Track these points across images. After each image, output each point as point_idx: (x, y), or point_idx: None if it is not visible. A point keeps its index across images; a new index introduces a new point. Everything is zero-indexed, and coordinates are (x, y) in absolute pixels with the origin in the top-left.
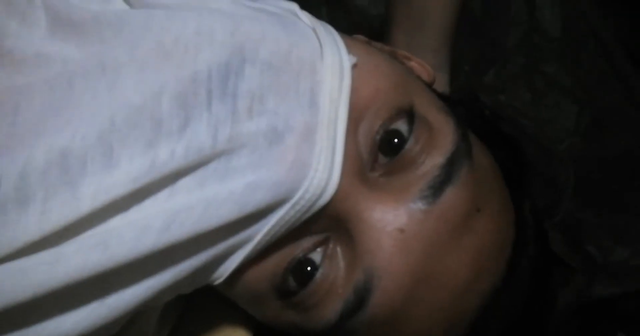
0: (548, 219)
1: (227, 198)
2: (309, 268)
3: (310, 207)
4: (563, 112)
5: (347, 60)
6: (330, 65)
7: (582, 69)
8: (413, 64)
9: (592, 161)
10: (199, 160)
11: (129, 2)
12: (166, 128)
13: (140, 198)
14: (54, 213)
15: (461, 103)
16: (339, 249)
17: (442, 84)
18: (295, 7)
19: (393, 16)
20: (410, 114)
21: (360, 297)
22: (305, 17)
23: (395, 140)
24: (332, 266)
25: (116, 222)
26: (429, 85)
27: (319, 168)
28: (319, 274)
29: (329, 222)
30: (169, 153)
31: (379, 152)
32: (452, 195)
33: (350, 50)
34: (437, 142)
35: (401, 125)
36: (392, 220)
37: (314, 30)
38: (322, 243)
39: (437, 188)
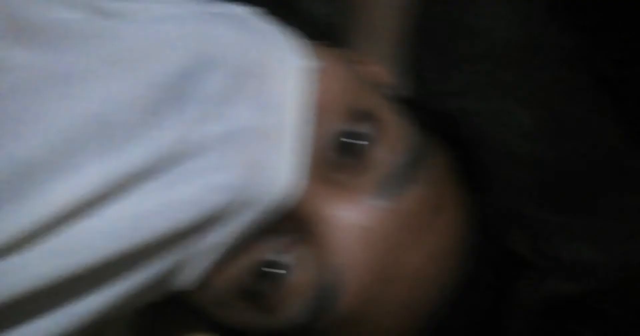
0: (506, 218)
1: (187, 202)
2: (276, 270)
3: (274, 209)
4: (523, 117)
5: (306, 63)
6: (290, 68)
7: (541, 75)
8: (370, 68)
9: (552, 165)
10: (158, 165)
11: (89, 11)
12: (124, 135)
13: (105, 203)
14: (14, 221)
15: (419, 107)
16: (303, 249)
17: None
18: (256, 12)
19: (347, 23)
20: (369, 116)
21: (326, 296)
22: (266, 21)
23: (356, 142)
24: (298, 267)
25: (81, 228)
26: (386, 89)
27: (282, 170)
28: (287, 277)
29: (292, 223)
30: (133, 158)
31: (340, 153)
32: (412, 193)
33: (310, 55)
34: (395, 142)
35: (361, 127)
36: (355, 219)
37: (275, 34)
38: (289, 245)
39: (397, 186)
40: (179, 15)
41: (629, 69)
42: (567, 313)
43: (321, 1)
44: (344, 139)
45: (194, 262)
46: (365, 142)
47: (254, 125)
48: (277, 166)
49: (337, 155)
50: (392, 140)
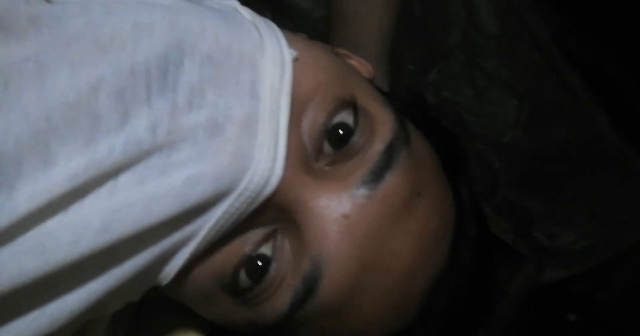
0: (485, 202)
1: (168, 193)
2: (260, 263)
3: (254, 199)
4: (504, 106)
5: (288, 53)
6: (271, 57)
7: (519, 64)
8: (353, 61)
9: (534, 152)
10: (138, 156)
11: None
12: (105, 124)
13: (78, 198)
14: None
15: (401, 98)
16: (287, 240)
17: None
18: (235, 3)
19: (332, 34)
20: (354, 106)
21: (310, 286)
22: (245, 12)
23: (342, 132)
24: (282, 259)
25: (53, 224)
26: (368, 80)
27: (262, 158)
28: (271, 269)
29: (275, 213)
30: (107, 149)
31: (326, 143)
32: (392, 180)
33: (291, 44)
34: (377, 131)
35: (346, 117)
36: (337, 207)
37: (255, 24)
38: (270, 235)
39: (378, 173)
40: (157, 3)
41: (602, 54)
42: (551, 298)
43: None
44: (327, 128)
45: (174, 256)
46: (349, 132)
47: (234, 115)
48: (258, 155)
49: (320, 144)
50: (374, 129)
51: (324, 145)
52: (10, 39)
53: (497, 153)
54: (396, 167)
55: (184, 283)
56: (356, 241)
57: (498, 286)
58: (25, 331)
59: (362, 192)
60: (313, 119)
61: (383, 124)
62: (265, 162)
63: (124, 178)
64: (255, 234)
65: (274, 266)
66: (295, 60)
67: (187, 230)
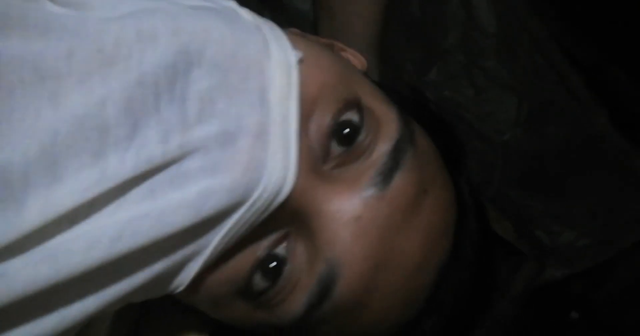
0: (486, 200)
1: (181, 205)
2: (274, 264)
3: (267, 207)
4: (503, 105)
5: (293, 56)
6: (277, 61)
7: (519, 63)
8: (347, 54)
9: (533, 151)
10: (150, 169)
11: (56, 3)
12: (113, 137)
13: (90, 210)
14: (1, 228)
15: (400, 93)
16: (299, 243)
17: None
18: (234, 5)
19: (318, 29)
20: (358, 105)
21: (325, 287)
22: (246, 14)
23: (349, 130)
24: (296, 260)
25: (65, 235)
26: (367, 76)
27: (275, 167)
28: (286, 269)
29: (287, 218)
30: (118, 163)
31: (334, 142)
32: (400, 179)
33: (294, 46)
34: (383, 131)
35: (352, 116)
36: (348, 209)
37: (257, 26)
38: (283, 239)
39: (386, 174)
40: (160, 10)
41: (600, 54)
42: (552, 296)
43: None
44: (334, 129)
45: (187, 264)
46: (355, 130)
47: (245, 124)
48: (271, 164)
49: (327, 146)
50: (379, 128)
51: (332, 146)
52: (17, 39)
53: (496, 153)
54: (403, 167)
55: (197, 290)
56: (369, 242)
57: (499, 278)
58: (30, 334)
59: (372, 193)
60: (320, 121)
61: (388, 124)
62: (278, 171)
63: (136, 191)
64: (268, 239)
65: (288, 267)
66: (303, 63)
67: (201, 240)
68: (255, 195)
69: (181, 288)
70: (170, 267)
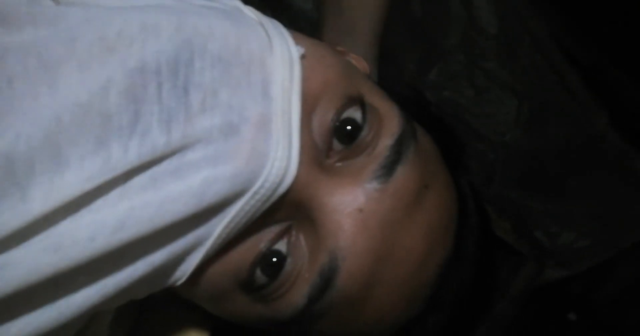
0: (485, 201)
1: (184, 193)
2: (276, 260)
3: (269, 197)
4: (504, 106)
5: (296, 51)
6: (280, 56)
7: (519, 64)
8: (350, 58)
9: (533, 152)
10: (153, 158)
11: (63, 1)
12: (116, 124)
13: (93, 198)
14: (1, 219)
15: (400, 93)
16: (301, 236)
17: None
18: (238, 3)
19: (324, 24)
20: (361, 102)
21: (326, 279)
22: (250, 11)
23: (351, 128)
24: (297, 254)
25: (68, 224)
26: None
27: (277, 157)
28: (287, 264)
29: (289, 210)
30: (121, 152)
31: (335, 139)
32: (402, 173)
33: (296, 42)
34: (385, 126)
35: (354, 113)
36: (351, 202)
37: (261, 23)
38: (285, 232)
39: (389, 167)
40: (165, 6)
41: (599, 54)
42: (552, 297)
43: None
44: (336, 125)
45: (189, 255)
46: (357, 127)
47: (248, 115)
48: (273, 154)
49: (330, 141)
50: (382, 124)
51: (334, 142)
52: (8, 30)
53: (496, 153)
54: (405, 161)
55: (198, 282)
56: (371, 234)
57: (498, 278)
58: (33, 323)
59: (375, 186)
60: (322, 117)
61: (390, 119)
62: (280, 160)
63: (139, 180)
64: (270, 231)
65: (289, 261)
66: (303, 58)
67: (202, 229)
68: (258, 184)
69: (182, 280)
70: (172, 257)
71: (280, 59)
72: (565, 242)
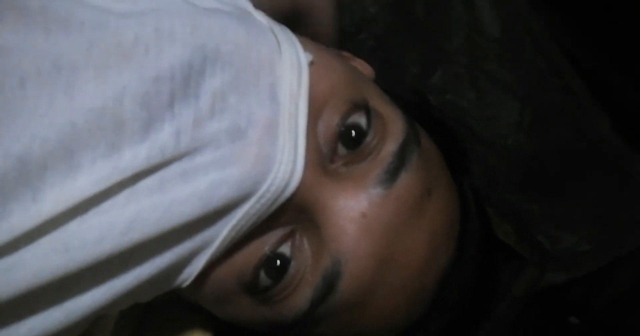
0: (487, 205)
1: (191, 196)
2: (279, 263)
3: (275, 200)
4: (506, 109)
5: (304, 57)
6: (289, 61)
7: (521, 67)
8: (355, 63)
9: (535, 155)
10: (162, 162)
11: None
12: (129, 130)
13: (102, 201)
14: (13, 220)
15: (404, 97)
16: (305, 239)
17: None
18: (249, 5)
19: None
20: (366, 108)
21: (330, 283)
22: (260, 16)
23: (356, 133)
24: (301, 257)
25: (77, 225)
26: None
27: (283, 160)
28: (291, 267)
29: (294, 213)
30: (132, 156)
31: (340, 144)
32: (406, 178)
33: (305, 48)
34: (389, 132)
35: (359, 119)
36: (354, 206)
37: (271, 28)
38: (289, 235)
39: (393, 173)
40: (178, 10)
41: (601, 58)
42: (553, 301)
43: None
44: (341, 130)
45: (195, 258)
46: (362, 133)
47: (255, 119)
48: (279, 158)
49: (335, 146)
50: (386, 129)
51: (339, 147)
52: (18, 26)
53: (499, 157)
54: (409, 166)
55: (203, 284)
56: (374, 239)
57: (500, 282)
58: (41, 324)
59: (378, 191)
60: (328, 122)
61: (394, 125)
62: (286, 164)
63: (147, 183)
64: (274, 234)
65: (293, 264)
66: (313, 64)
67: (208, 232)
68: (264, 187)
69: (188, 282)
70: (178, 259)
71: (289, 65)
72: (567, 245)
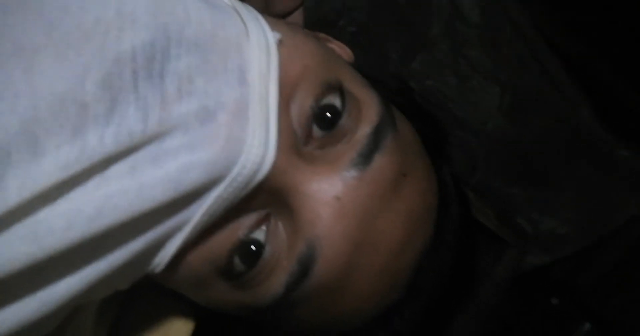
0: (467, 188)
1: (161, 180)
2: (254, 248)
3: (247, 183)
4: (487, 94)
5: (272, 37)
6: (256, 42)
7: (502, 52)
8: (333, 45)
9: (516, 140)
10: (130, 146)
11: None
12: (92, 113)
13: (70, 187)
14: None
15: (384, 82)
16: (280, 223)
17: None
18: None
19: None
20: (340, 89)
21: (305, 266)
22: None
23: (330, 114)
24: (276, 242)
25: (45, 212)
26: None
27: (254, 143)
28: (265, 252)
29: (267, 197)
30: (97, 139)
31: (315, 126)
32: (380, 161)
33: (273, 28)
34: (364, 114)
35: (334, 100)
36: (328, 189)
37: (236, 9)
38: (264, 219)
39: (366, 155)
40: None
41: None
42: (534, 283)
43: None
44: (315, 111)
45: (167, 241)
46: (337, 114)
47: (224, 101)
48: (250, 140)
49: (309, 128)
50: (361, 112)
51: (313, 129)
52: None
53: (479, 141)
54: (383, 149)
55: (177, 269)
56: (349, 222)
57: (481, 265)
58: (14, 315)
59: (352, 173)
60: (301, 103)
61: (369, 107)
62: (257, 147)
63: (116, 167)
64: (249, 218)
65: (267, 249)
66: (280, 44)
67: (180, 216)
68: (235, 170)
69: (162, 266)
70: (151, 244)
71: (256, 45)
72: (547, 228)
